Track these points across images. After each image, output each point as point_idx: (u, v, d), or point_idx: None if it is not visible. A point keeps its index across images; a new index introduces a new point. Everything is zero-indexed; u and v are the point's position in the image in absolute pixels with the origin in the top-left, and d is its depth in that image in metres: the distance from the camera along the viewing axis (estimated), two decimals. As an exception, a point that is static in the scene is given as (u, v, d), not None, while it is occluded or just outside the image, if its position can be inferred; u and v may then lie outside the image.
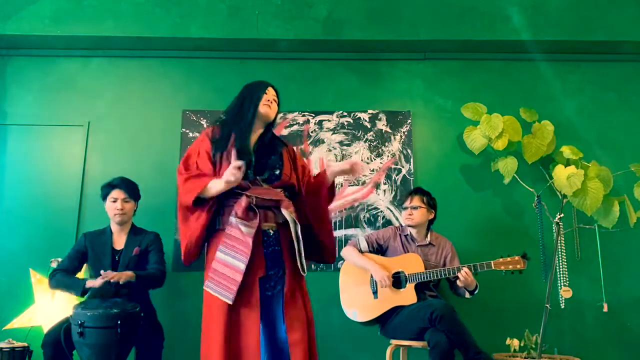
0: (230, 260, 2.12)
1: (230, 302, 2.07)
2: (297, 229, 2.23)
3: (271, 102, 2.36)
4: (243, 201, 2.15)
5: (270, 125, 2.41)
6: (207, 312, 2.15)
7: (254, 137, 2.34)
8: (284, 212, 2.24)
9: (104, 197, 3.10)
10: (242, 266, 2.09)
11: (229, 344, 2.05)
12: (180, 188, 2.23)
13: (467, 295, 3.06)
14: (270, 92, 2.38)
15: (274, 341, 2.19)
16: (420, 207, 3.17)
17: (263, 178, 2.26)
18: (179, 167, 2.28)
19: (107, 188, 3.10)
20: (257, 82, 2.42)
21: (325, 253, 2.41)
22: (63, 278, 2.93)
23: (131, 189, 3.11)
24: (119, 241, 3.09)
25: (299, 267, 2.24)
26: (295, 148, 2.52)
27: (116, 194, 3.06)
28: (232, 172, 2.08)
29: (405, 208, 3.22)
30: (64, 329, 2.70)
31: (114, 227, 3.11)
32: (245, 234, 2.13)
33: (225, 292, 2.08)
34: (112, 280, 2.70)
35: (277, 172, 2.30)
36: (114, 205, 3.05)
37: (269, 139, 2.39)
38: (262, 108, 2.33)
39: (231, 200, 2.21)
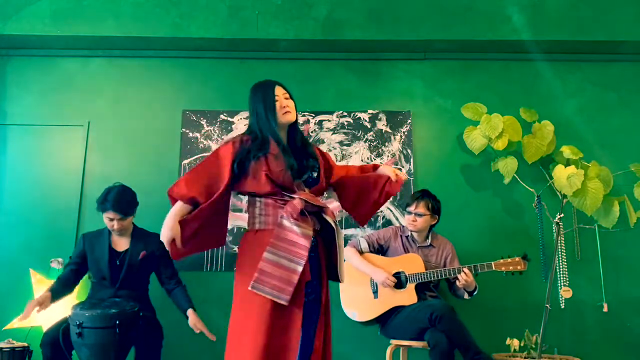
0: (283, 262, 2.10)
1: (285, 303, 2.06)
2: (341, 237, 2.25)
3: (288, 106, 2.29)
4: (298, 204, 2.15)
5: (294, 124, 2.34)
6: (245, 310, 2.12)
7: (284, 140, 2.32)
8: (329, 219, 2.23)
9: (101, 212, 3.01)
10: (299, 268, 2.09)
11: (269, 341, 2.04)
12: (183, 178, 2.17)
13: (466, 296, 3.06)
14: (280, 94, 2.29)
15: (303, 346, 2.17)
16: (425, 214, 3.14)
17: (302, 180, 2.25)
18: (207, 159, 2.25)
19: (102, 206, 2.97)
20: (263, 88, 2.31)
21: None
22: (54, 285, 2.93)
23: (126, 207, 2.98)
24: (120, 243, 3.07)
25: (339, 275, 2.26)
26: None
27: (111, 215, 2.95)
28: (167, 237, 2.06)
29: (410, 213, 3.17)
30: (62, 329, 2.70)
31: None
32: (302, 236, 2.13)
33: (279, 294, 2.06)
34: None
35: (315, 174, 2.29)
36: (111, 223, 2.98)
37: (301, 140, 2.35)
38: (284, 117, 2.27)
39: (278, 201, 2.19)
